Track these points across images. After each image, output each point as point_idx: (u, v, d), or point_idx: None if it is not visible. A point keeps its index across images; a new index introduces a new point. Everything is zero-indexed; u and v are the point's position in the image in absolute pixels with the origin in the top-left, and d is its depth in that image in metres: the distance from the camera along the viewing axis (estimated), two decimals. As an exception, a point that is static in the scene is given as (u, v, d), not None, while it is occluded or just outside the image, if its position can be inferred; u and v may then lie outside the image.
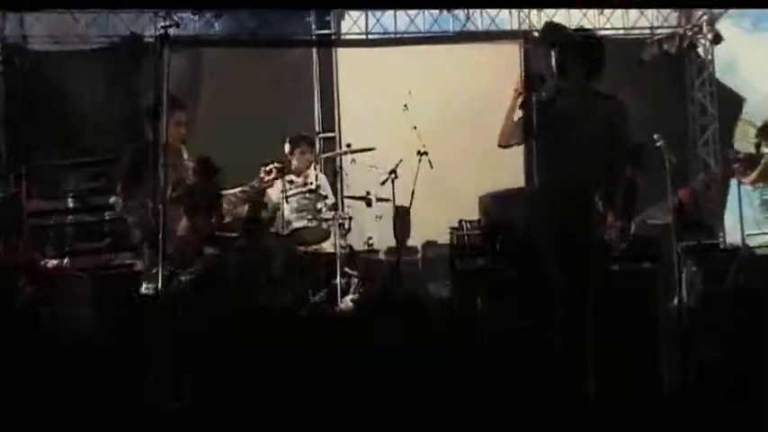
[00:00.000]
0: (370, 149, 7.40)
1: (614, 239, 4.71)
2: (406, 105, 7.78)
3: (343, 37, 9.83)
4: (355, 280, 6.87)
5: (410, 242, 8.68)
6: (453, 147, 9.14)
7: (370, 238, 7.67)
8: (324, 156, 8.34)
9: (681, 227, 5.94)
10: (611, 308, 4.40)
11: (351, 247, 7.21)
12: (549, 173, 4.54)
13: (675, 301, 5.72)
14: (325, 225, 6.91)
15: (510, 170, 9.19)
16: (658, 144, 6.06)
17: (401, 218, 7.76)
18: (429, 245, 8.97)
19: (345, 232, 7.07)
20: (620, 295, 4.86)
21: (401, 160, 7.43)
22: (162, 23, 4.43)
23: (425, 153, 7.51)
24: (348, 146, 7.65)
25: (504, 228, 6.30)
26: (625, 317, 4.70)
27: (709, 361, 3.98)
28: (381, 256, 7.84)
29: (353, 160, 7.61)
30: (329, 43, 9.83)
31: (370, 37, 9.83)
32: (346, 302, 6.61)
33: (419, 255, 9.02)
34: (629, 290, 5.06)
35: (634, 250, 5.40)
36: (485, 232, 6.64)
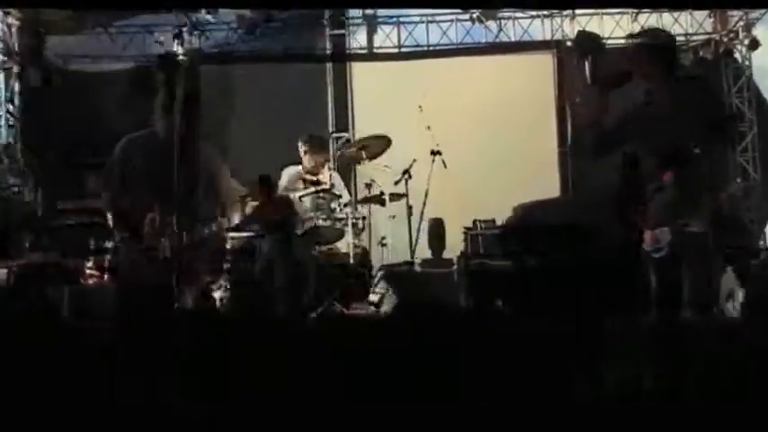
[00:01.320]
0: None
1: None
2: (420, 107, 7.78)
3: (375, 50, 9.86)
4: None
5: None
6: (486, 154, 9.19)
7: (383, 238, 7.69)
8: (338, 154, 8.40)
9: (719, 234, 5.88)
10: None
11: (364, 247, 7.26)
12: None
13: (714, 308, 5.66)
14: (339, 224, 6.96)
15: (544, 180, 9.27)
16: (696, 151, 6.01)
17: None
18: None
19: (359, 232, 7.12)
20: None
21: (415, 160, 7.44)
22: (176, 23, 4.50)
23: (439, 152, 7.49)
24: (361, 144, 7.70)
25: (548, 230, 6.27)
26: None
27: (748, 368, 3.92)
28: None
29: (367, 160, 7.64)
30: (362, 57, 9.88)
31: (403, 50, 9.86)
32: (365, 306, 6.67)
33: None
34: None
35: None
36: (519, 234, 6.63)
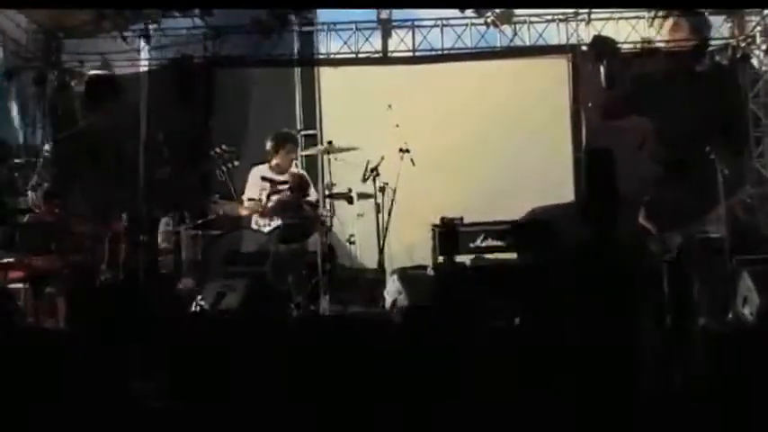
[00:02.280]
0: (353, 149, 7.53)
1: None
2: (390, 106, 7.78)
3: (390, 54, 9.86)
4: None
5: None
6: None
7: (351, 236, 7.70)
8: (306, 153, 8.40)
9: (734, 239, 5.84)
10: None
11: (331, 245, 7.33)
12: None
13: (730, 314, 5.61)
14: (306, 222, 7.00)
15: (558, 184, 9.23)
16: (711, 156, 5.99)
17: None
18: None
19: (327, 230, 7.15)
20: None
21: (383, 158, 7.46)
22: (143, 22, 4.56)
23: (407, 150, 7.49)
24: (329, 143, 7.72)
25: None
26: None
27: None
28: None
29: (335, 158, 7.66)
30: (379, 61, 9.87)
31: (417, 54, 9.84)
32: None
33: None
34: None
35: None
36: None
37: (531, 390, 3.73)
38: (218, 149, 6.85)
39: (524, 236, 6.65)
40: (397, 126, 7.55)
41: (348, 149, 7.58)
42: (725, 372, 3.80)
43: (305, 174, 7.52)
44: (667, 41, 9.63)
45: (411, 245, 8.36)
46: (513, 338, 4.83)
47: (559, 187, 9.22)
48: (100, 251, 4.88)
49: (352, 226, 7.75)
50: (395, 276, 7.37)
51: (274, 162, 7.42)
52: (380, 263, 7.42)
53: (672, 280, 4.59)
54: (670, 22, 9.31)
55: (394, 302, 7.05)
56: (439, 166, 8.46)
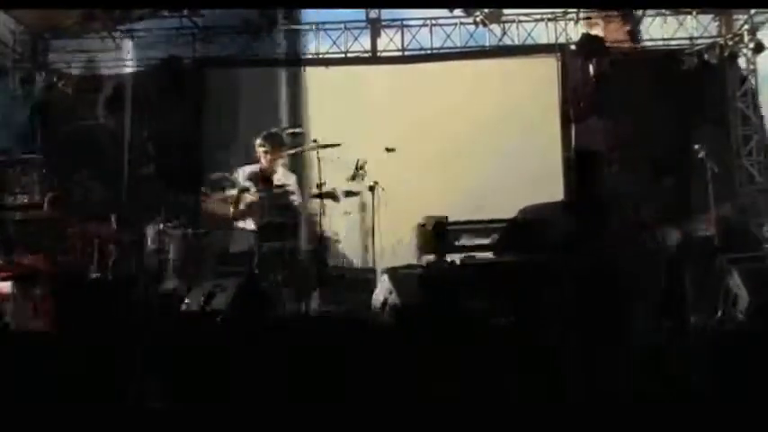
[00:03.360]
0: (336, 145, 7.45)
1: None
2: (393, 149, 7.83)
3: (379, 54, 9.85)
4: None
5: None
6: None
7: (337, 234, 7.71)
8: (291, 152, 8.38)
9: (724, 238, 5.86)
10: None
11: (317, 244, 7.33)
12: None
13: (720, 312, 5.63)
14: (292, 221, 7.01)
15: (548, 182, 9.24)
16: (701, 154, 6.01)
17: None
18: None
19: (314, 229, 7.19)
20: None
21: (365, 160, 7.47)
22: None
23: (393, 150, 7.51)
24: (314, 141, 7.70)
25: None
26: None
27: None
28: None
29: (321, 157, 7.65)
30: (369, 60, 9.85)
31: (406, 53, 9.83)
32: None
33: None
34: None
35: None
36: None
37: (520, 389, 3.73)
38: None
39: (513, 234, 6.64)
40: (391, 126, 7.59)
41: (329, 145, 7.57)
42: (716, 369, 3.81)
43: (289, 173, 7.50)
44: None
45: (399, 243, 8.34)
46: (504, 337, 4.83)
47: (549, 186, 9.22)
48: (97, 249, 4.88)
49: (339, 224, 7.75)
50: (385, 276, 7.35)
51: (261, 162, 7.46)
52: (372, 261, 7.41)
53: (662, 278, 4.60)
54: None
55: (384, 301, 7.02)
56: (428, 164, 8.45)
